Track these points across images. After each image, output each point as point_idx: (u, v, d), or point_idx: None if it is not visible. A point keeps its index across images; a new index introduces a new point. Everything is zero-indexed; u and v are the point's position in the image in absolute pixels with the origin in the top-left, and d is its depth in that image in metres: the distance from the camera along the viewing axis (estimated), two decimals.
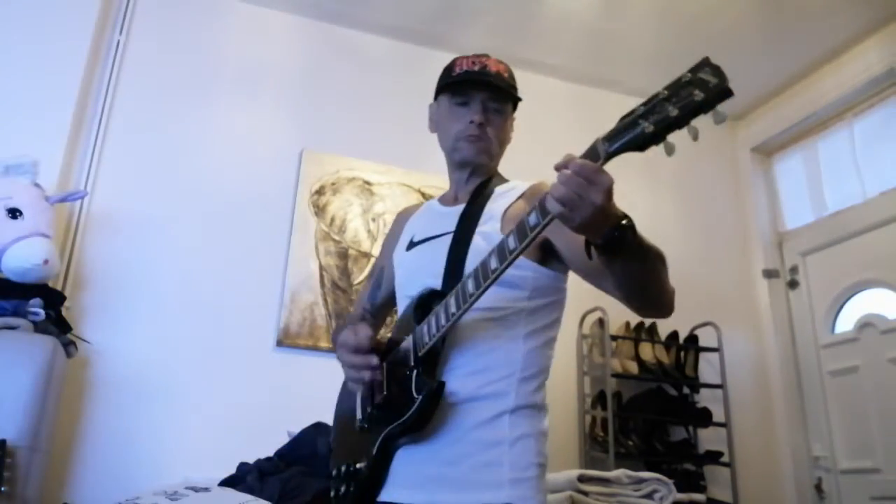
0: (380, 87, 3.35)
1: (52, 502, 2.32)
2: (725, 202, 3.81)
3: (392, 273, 1.45)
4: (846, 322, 3.25)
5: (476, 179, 1.38)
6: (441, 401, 1.15)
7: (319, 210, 3.07)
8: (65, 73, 2.76)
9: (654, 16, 3.23)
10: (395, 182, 3.21)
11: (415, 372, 1.17)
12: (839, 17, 3.14)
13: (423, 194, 3.21)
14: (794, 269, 3.55)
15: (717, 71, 0.82)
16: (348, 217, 3.11)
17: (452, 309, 1.11)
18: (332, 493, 1.29)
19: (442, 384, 1.15)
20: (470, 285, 1.08)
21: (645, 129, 0.85)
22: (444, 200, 1.44)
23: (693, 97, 0.82)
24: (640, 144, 0.87)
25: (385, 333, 1.50)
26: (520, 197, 1.29)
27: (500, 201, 1.29)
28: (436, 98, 1.43)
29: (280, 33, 3.31)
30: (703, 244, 3.63)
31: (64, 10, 2.81)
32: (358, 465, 1.24)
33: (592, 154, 0.91)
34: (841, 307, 3.29)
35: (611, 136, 0.89)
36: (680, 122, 0.83)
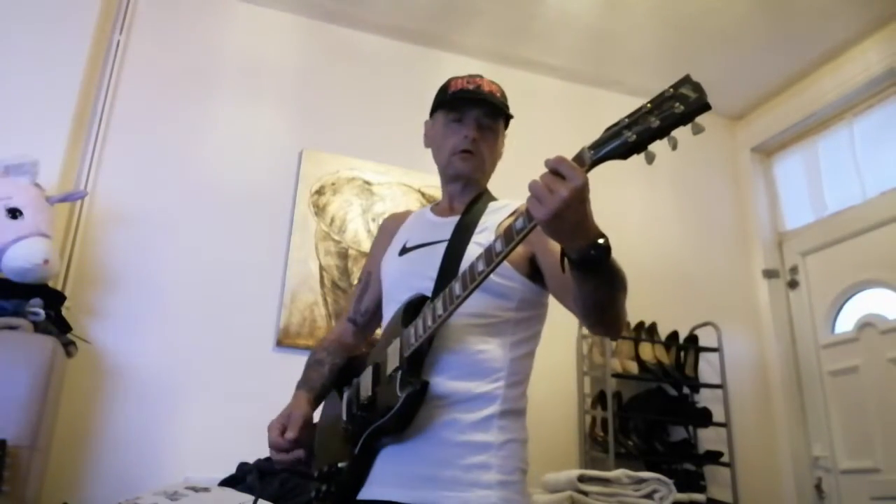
0: (380, 87, 3.35)
1: (52, 502, 2.32)
2: (725, 202, 3.81)
3: (379, 279, 1.46)
4: (846, 322, 3.25)
5: (470, 192, 1.43)
6: (429, 402, 1.17)
7: (319, 210, 3.07)
8: (65, 73, 2.75)
9: (655, 16, 3.23)
10: (395, 182, 3.21)
11: (399, 373, 1.18)
12: (839, 17, 3.15)
13: (423, 194, 3.21)
14: (794, 269, 3.55)
15: (696, 87, 0.88)
16: (348, 217, 3.11)
17: (440, 311, 1.14)
18: (314, 494, 1.31)
19: (426, 384, 1.17)
20: (457, 288, 1.11)
21: (628, 138, 0.91)
22: (437, 210, 1.48)
23: (674, 110, 0.88)
24: (623, 153, 0.92)
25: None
26: (512, 214, 1.34)
27: (495, 215, 1.35)
28: (431, 115, 1.48)
29: (280, 33, 3.31)
30: (703, 244, 3.63)
31: (64, 10, 2.81)
32: (339, 465, 1.26)
33: (578, 161, 0.96)
34: (841, 307, 3.29)
35: (596, 145, 0.95)
36: (661, 132, 0.89)
